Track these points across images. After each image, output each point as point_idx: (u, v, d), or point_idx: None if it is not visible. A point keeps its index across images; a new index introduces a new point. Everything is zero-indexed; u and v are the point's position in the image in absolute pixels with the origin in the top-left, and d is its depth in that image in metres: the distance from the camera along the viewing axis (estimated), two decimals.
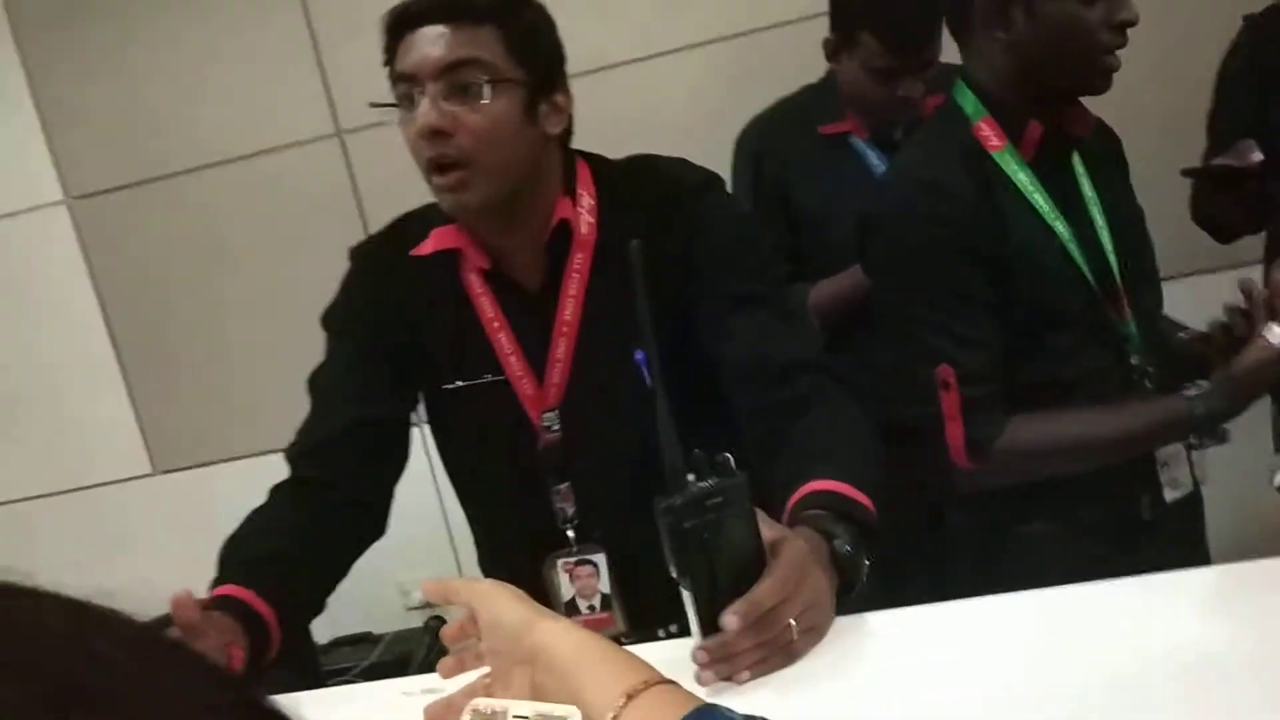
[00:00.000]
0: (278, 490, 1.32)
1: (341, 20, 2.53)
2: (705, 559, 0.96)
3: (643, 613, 1.36)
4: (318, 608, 1.30)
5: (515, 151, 1.26)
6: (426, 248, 1.34)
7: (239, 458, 2.65)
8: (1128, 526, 1.44)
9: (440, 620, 1.82)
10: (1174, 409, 1.34)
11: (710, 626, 0.97)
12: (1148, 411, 1.37)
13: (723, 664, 0.97)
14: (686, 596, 0.98)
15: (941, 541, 1.57)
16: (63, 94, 2.61)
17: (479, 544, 1.52)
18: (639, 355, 1.25)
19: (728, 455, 0.97)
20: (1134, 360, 1.42)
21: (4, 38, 2.59)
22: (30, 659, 0.30)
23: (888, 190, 1.50)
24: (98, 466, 2.76)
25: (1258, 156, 1.62)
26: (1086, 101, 1.44)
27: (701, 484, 0.96)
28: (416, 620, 2.75)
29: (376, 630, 2.77)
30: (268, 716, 0.34)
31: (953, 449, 1.40)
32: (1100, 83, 1.38)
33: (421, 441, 2.65)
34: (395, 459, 1.38)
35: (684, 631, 1.16)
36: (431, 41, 1.21)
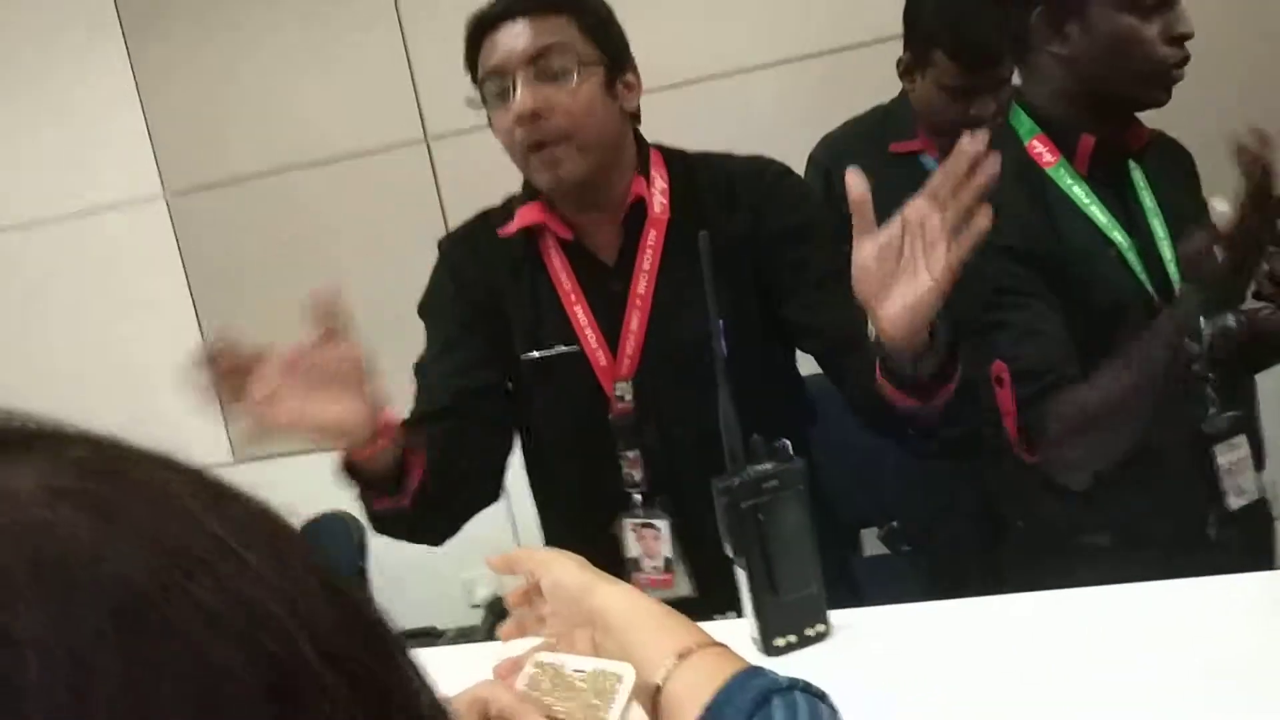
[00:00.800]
0: None
1: (432, 30, 2.63)
2: (759, 539, 1.02)
3: (705, 578, 1.42)
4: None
5: (602, 127, 1.37)
6: (513, 226, 1.45)
7: (320, 450, 2.75)
8: (1192, 536, 1.45)
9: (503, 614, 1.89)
10: (1168, 313, 1.34)
11: (762, 604, 1.03)
12: (1151, 333, 1.35)
13: None
14: (740, 574, 1.04)
15: (1003, 555, 1.59)
16: (168, 93, 2.74)
17: (544, 511, 1.60)
18: (694, 327, 1.35)
19: (786, 441, 1.02)
20: (1195, 368, 1.44)
21: (114, 38, 2.73)
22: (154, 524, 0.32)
23: None
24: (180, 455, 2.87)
25: None
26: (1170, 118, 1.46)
27: (759, 467, 1.02)
28: (479, 617, 2.82)
29: (440, 625, 2.85)
30: (372, 625, 0.36)
31: (1013, 443, 1.42)
32: (1160, 95, 1.41)
33: None
34: (502, 427, 1.48)
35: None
36: (516, 35, 1.33)
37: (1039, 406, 1.36)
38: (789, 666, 1.00)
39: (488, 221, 1.51)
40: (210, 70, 2.73)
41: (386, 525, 1.35)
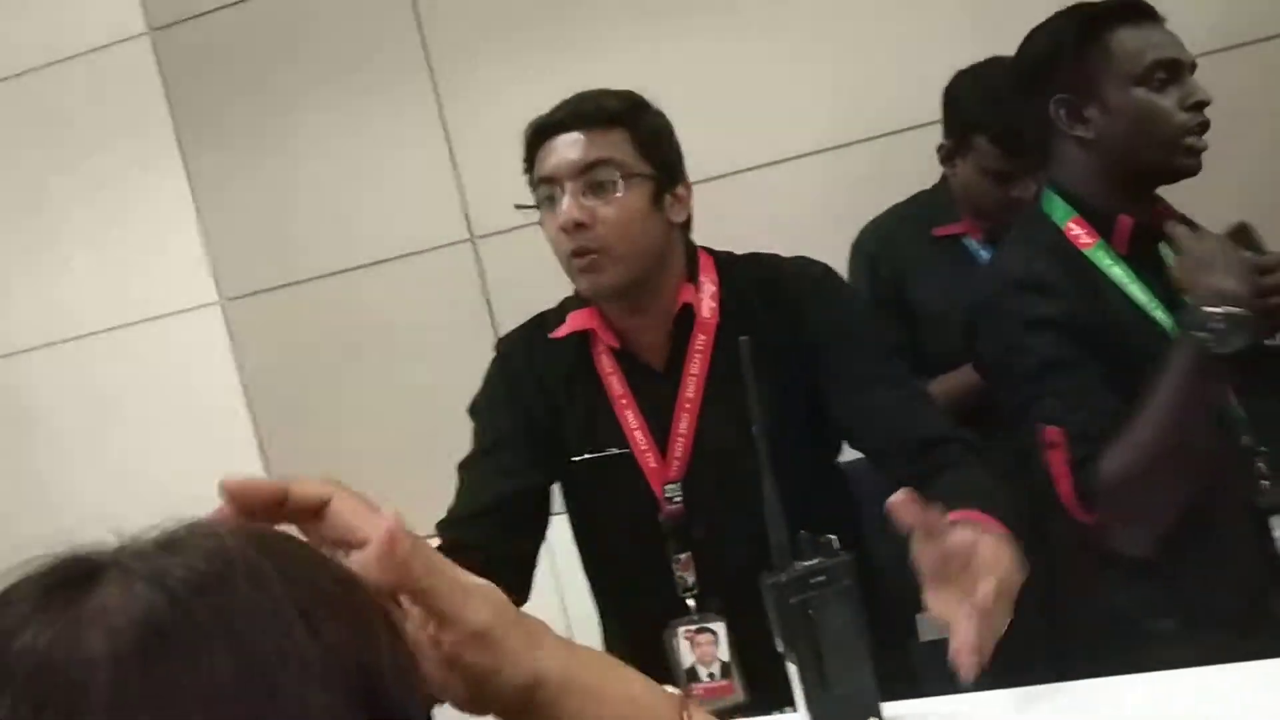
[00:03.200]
0: None
1: (476, 135, 2.72)
2: (810, 634, 1.04)
3: (762, 681, 1.44)
4: None
5: (645, 237, 1.45)
6: (563, 330, 1.53)
7: None
8: (1257, 615, 1.44)
9: None
10: (1178, 345, 1.34)
11: (814, 698, 1.04)
12: (1169, 366, 1.35)
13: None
14: (791, 669, 1.05)
15: (1064, 642, 1.59)
16: (222, 201, 2.86)
17: (603, 614, 1.66)
18: (756, 426, 1.39)
19: (832, 537, 1.05)
20: (1245, 441, 1.45)
21: (170, 149, 2.85)
22: None
23: (988, 288, 1.56)
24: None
25: None
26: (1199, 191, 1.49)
27: (806, 563, 1.04)
28: None
29: None
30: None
31: (1069, 506, 1.43)
32: (1189, 163, 1.46)
33: None
34: (537, 528, 1.53)
35: None
36: (569, 146, 1.43)
37: (1092, 467, 1.36)
38: None
39: (543, 324, 1.59)
40: (264, 178, 2.84)
41: None
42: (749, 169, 2.59)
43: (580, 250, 1.42)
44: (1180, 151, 1.45)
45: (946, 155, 2.07)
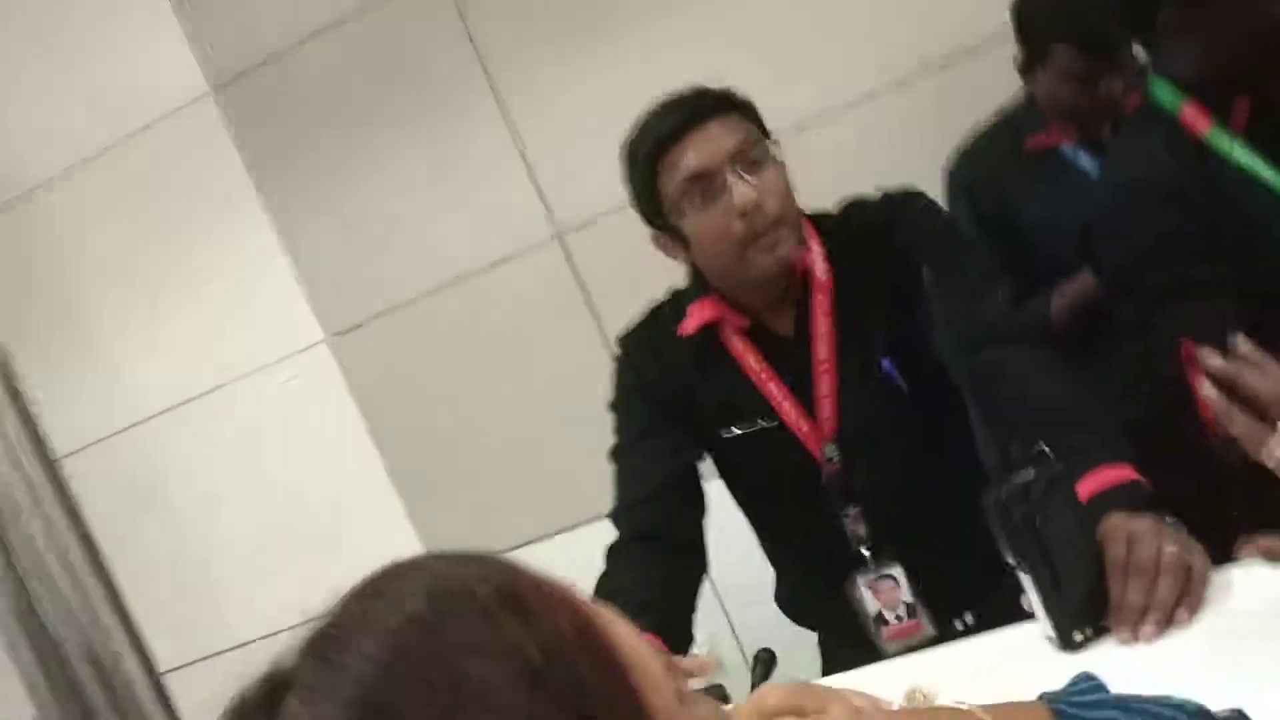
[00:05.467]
0: (619, 549, 1.50)
1: (542, 125, 2.77)
2: (1040, 545, 1.07)
3: (946, 612, 1.50)
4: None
5: (795, 205, 1.49)
6: (689, 326, 1.56)
7: (514, 546, 2.87)
8: None
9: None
10: None
11: (1052, 604, 1.08)
12: None
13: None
14: (1027, 581, 1.09)
15: None
16: (308, 241, 2.93)
17: (779, 576, 1.72)
18: (885, 363, 1.48)
19: (1043, 446, 1.08)
20: None
21: (251, 198, 2.93)
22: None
23: (1104, 198, 1.58)
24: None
25: None
26: None
27: (1022, 475, 1.07)
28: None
29: None
30: None
31: (1208, 420, 1.44)
32: None
33: None
34: (701, 501, 1.58)
35: (980, 621, 1.28)
36: (713, 137, 1.44)
37: None
38: (1090, 661, 1.05)
39: (659, 319, 1.62)
40: (345, 212, 2.91)
41: None
42: (818, 118, 2.60)
43: (759, 229, 1.43)
44: None
45: (1025, 67, 2.08)
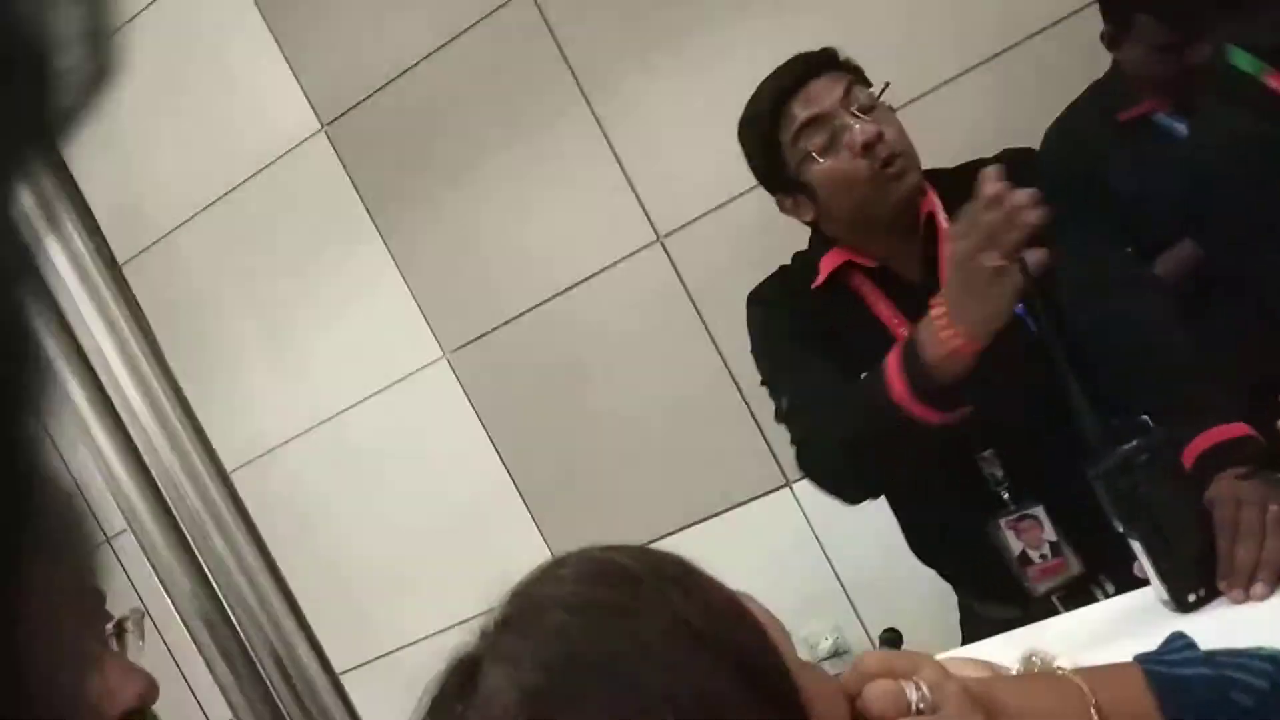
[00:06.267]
0: None
1: (636, 133, 2.86)
2: (1147, 512, 1.12)
3: (1094, 550, 1.51)
4: None
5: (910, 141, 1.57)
6: (822, 277, 1.61)
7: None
8: None
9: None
10: None
11: (1164, 569, 1.12)
12: None
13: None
14: (1139, 549, 1.14)
15: None
16: (422, 264, 3.07)
17: (909, 528, 1.74)
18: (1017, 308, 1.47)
19: (1145, 417, 1.13)
20: None
21: (367, 227, 3.08)
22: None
23: (1198, 164, 1.60)
24: None
25: None
26: None
27: (1125, 446, 1.12)
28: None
29: None
30: None
31: None
32: None
33: (796, 504, 2.86)
34: None
35: (1120, 590, 1.31)
36: (822, 88, 1.55)
37: None
38: (1205, 622, 1.09)
39: (789, 276, 1.68)
40: (454, 233, 3.04)
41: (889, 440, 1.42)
42: (909, 102, 2.63)
43: (884, 160, 1.51)
44: None
45: (1111, 41, 2.10)
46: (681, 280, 2.90)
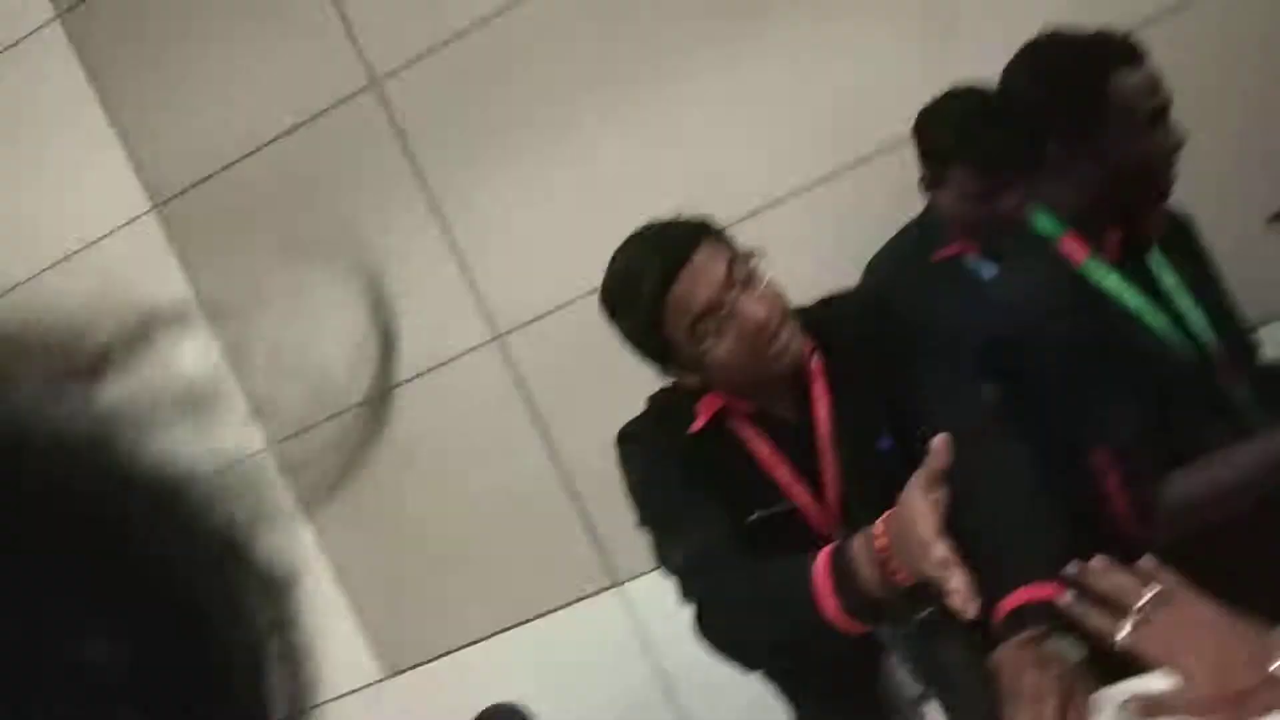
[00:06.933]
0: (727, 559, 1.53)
1: (480, 231, 2.89)
2: (943, 675, 1.18)
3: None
4: None
5: (788, 302, 1.57)
6: (700, 422, 1.61)
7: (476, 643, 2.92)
8: None
9: None
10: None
11: None
12: (1264, 441, 1.52)
13: None
14: (937, 711, 1.19)
15: None
16: (253, 349, 2.97)
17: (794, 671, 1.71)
18: (883, 443, 1.56)
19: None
20: (1254, 422, 1.59)
21: (194, 313, 2.97)
22: None
23: (997, 317, 1.71)
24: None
25: None
26: None
27: (923, 611, 1.18)
28: None
29: None
30: None
31: (1123, 522, 1.57)
32: (1165, 193, 1.61)
33: (623, 606, 2.83)
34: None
35: None
36: (705, 268, 1.50)
37: (1148, 487, 1.51)
38: None
39: (663, 417, 1.65)
40: (285, 320, 2.95)
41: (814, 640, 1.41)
42: (744, 218, 2.70)
43: (770, 340, 1.50)
44: (1159, 187, 1.61)
45: (928, 184, 2.22)
46: (519, 379, 2.91)
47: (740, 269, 1.52)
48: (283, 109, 2.94)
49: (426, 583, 2.98)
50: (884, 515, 1.30)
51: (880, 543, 1.29)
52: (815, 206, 2.71)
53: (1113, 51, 1.62)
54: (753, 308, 1.49)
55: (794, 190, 2.73)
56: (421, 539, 2.98)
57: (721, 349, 1.51)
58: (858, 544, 1.32)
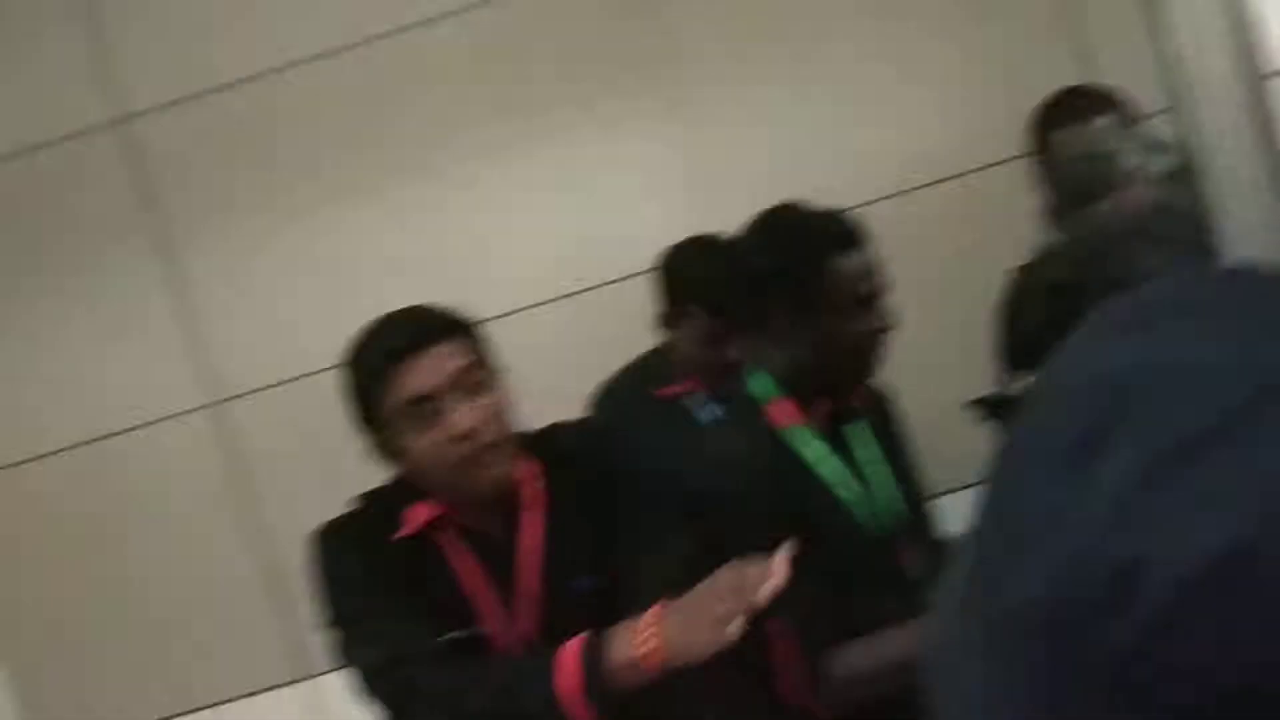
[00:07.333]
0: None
1: (212, 294, 2.78)
2: None
3: None
4: None
5: (514, 428, 1.57)
6: (407, 530, 1.57)
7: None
8: None
9: None
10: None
11: None
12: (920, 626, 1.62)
13: None
14: None
15: None
16: None
17: None
18: (586, 581, 1.57)
19: None
20: (927, 599, 1.69)
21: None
22: None
23: (702, 466, 1.77)
24: None
25: (1023, 384, 1.97)
26: None
27: None
28: None
29: None
30: None
31: (790, 690, 1.63)
32: (871, 373, 1.71)
33: (316, 698, 2.74)
34: None
35: None
36: (441, 358, 1.51)
37: (816, 656, 1.58)
38: None
39: (368, 520, 1.61)
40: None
41: None
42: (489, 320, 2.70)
43: (475, 453, 1.49)
44: (865, 367, 1.71)
45: (664, 322, 2.27)
46: (234, 451, 2.78)
47: (474, 375, 1.53)
48: (20, 128, 2.75)
49: (102, 658, 2.78)
50: (655, 608, 1.35)
51: (649, 616, 1.35)
52: (556, 320, 2.74)
53: (834, 235, 1.71)
54: (465, 415, 1.50)
55: (536, 302, 2.75)
56: (99, 607, 2.78)
57: (423, 443, 1.51)
58: (619, 627, 1.36)
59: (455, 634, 1.54)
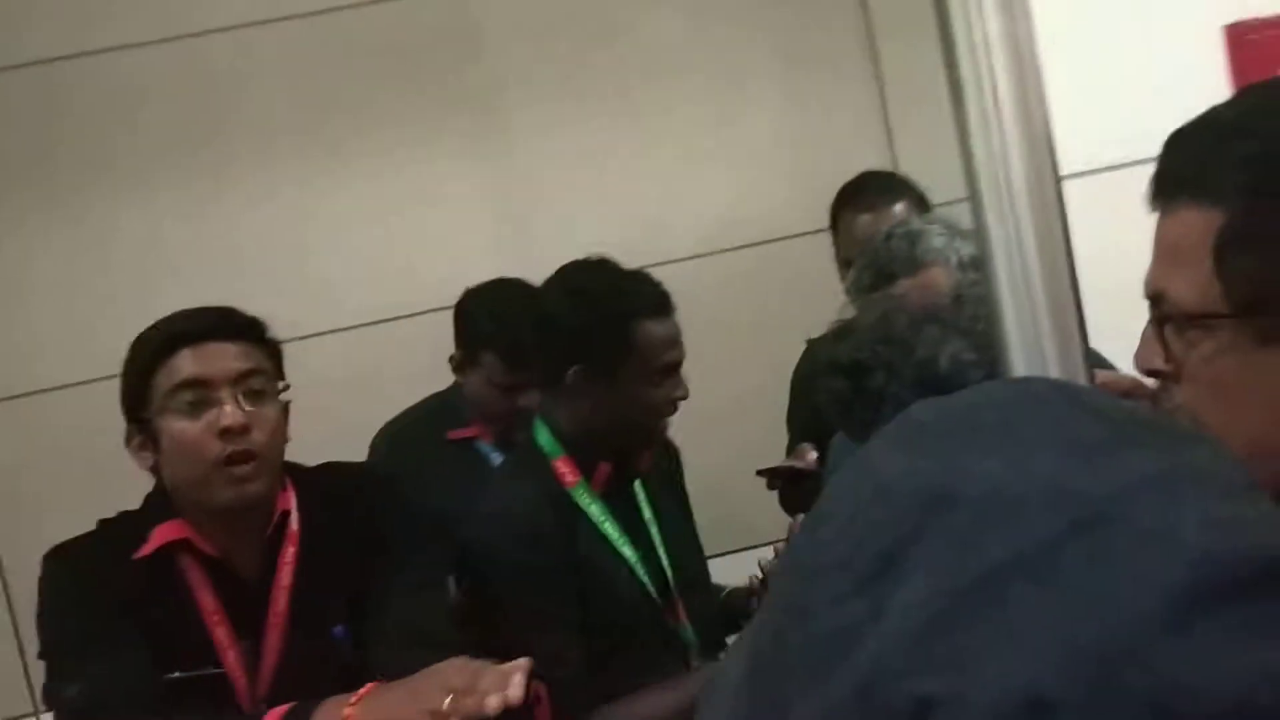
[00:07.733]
0: None
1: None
2: None
3: None
4: None
5: (282, 449, 1.50)
6: (149, 547, 1.46)
7: None
8: None
9: None
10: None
11: None
12: (695, 680, 1.62)
13: None
14: None
15: None
16: None
17: None
18: (337, 631, 1.49)
19: None
20: (694, 663, 1.70)
21: None
22: None
23: (481, 516, 1.75)
24: None
25: (814, 456, 2.00)
26: None
27: None
28: None
29: None
30: None
31: None
32: (659, 439, 1.71)
33: None
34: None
35: None
36: (225, 353, 1.46)
37: (578, 716, 1.55)
38: None
39: (109, 538, 1.51)
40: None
41: None
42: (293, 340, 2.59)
43: (236, 456, 1.42)
44: (653, 433, 1.70)
45: (458, 366, 2.23)
46: None
47: (255, 382, 1.47)
48: None
49: None
50: (368, 686, 1.30)
51: (361, 692, 1.29)
52: (361, 344, 2.67)
53: (645, 299, 1.71)
54: (229, 413, 1.43)
55: (341, 326, 2.67)
56: None
57: (188, 432, 1.44)
58: (327, 704, 1.31)
59: (183, 673, 1.44)
